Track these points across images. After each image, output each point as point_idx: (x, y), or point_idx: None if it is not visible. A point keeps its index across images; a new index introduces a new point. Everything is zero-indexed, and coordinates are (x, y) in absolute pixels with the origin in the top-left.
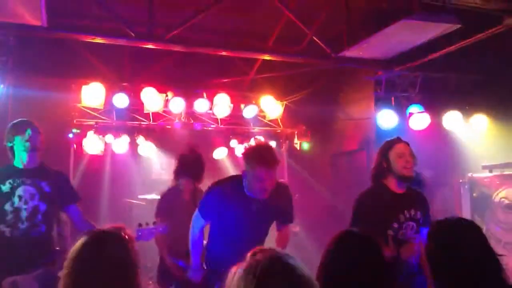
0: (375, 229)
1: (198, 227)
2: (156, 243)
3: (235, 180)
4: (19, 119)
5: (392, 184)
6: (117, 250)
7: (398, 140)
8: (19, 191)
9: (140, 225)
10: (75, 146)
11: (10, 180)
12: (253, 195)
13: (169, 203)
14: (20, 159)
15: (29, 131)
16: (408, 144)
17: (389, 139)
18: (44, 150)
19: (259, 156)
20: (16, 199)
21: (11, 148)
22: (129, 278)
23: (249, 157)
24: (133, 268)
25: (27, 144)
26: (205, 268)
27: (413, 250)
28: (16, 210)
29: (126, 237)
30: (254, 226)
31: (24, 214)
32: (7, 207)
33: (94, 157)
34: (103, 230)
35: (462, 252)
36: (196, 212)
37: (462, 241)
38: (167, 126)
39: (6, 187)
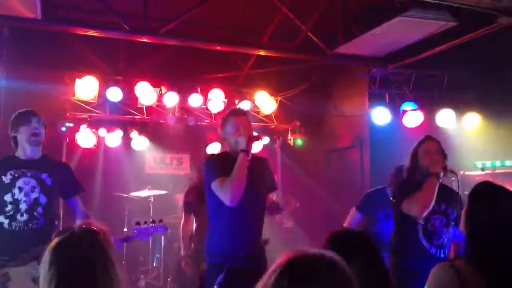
0: (408, 218)
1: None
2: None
3: (221, 152)
4: (25, 109)
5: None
6: (85, 250)
7: (427, 138)
8: (20, 182)
9: (138, 223)
10: (67, 139)
11: (12, 171)
12: None
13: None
14: (23, 150)
15: (34, 123)
16: (437, 142)
17: (421, 138)
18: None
19: (232, 110)
20: (16, 191)
21: (15, 138)
22: (102, 274)
23: (224, 117)
24: (106, 264)
25: (32, 135)
26: (207, 262)
27: (435, 160)
28: (16, 202)
29: (95, 232)
30: (249, 192)
31: (23, 206)
32: (7, 198)
33: (87, 151)
34: (70, 230)
35: (498, 218)
36: (212, 181)
37: (499, 206)
38: (161, 121)
39: (7, 178)
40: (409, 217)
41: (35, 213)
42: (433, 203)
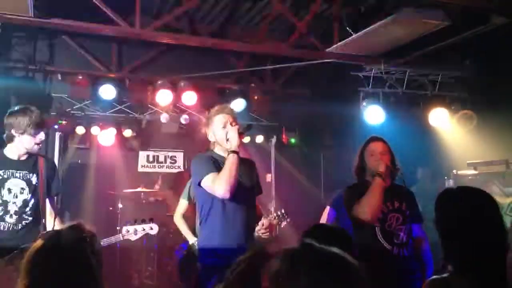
0: (363, 223)
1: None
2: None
3: (205, 153)
4: (27, 106)
5: (371, 179)
6: (73, 253)
7: (372, 139)
8: (9, 184)
9: (128, 222)
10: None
11: (1, 172)
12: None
13: None
14: (17, 151)
15: (43, 135)
16: (382, 142)
17: (367, 137)
18: None
19: (220, 106)
20: (5, 192)
21: (11, 135)
22: (88, 279)
23: (212, 112)
24: (91, 269)
25: (35, 146)
26: (200, 263)
27: (379, 160)
28: (5, 203)
29: (84, 235)
30: (239, 189)
31: (13, 207)
32: None
33: (80, 149)
34: (58, 231)
35: (469, 220)
36: (202, 177)
37: (470, 209)
38: (154, 119)
39: None
40: (364, 221)
41: (24, 215)
42: (380, 204)
